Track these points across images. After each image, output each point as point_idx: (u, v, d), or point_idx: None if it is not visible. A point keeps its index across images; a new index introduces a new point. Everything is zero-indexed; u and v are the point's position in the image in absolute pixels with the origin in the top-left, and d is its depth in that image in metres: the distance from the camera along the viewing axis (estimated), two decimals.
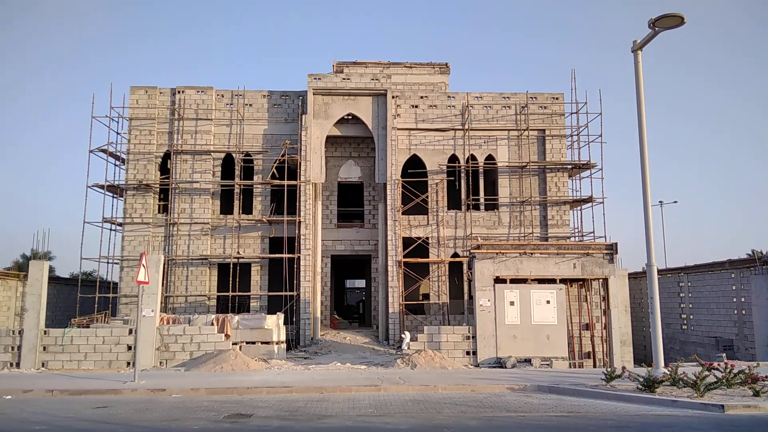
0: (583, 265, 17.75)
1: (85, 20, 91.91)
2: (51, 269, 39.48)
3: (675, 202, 39.08)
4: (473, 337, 17.28)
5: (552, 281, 17.76)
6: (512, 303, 17.25)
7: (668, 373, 12.31)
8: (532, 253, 17.74)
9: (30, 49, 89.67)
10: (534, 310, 17.19)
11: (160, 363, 16.92)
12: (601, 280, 18.42)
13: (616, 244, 17.87)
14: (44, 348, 16.67)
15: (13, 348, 16.61)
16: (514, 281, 17.69)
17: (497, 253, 17.71)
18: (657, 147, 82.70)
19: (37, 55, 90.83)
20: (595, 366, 18.21)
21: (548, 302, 17.23)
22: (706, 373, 11.42)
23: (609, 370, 12.86)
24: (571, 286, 18.84)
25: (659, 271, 27.54)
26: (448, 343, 17.26)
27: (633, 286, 25.68)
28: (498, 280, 17.62)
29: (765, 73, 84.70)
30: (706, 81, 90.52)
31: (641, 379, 11.92)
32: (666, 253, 50.84)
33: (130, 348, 16.56)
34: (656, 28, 13.30)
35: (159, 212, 26.07)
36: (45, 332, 16.79)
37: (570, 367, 17.23)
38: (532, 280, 17.77)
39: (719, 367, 11.95)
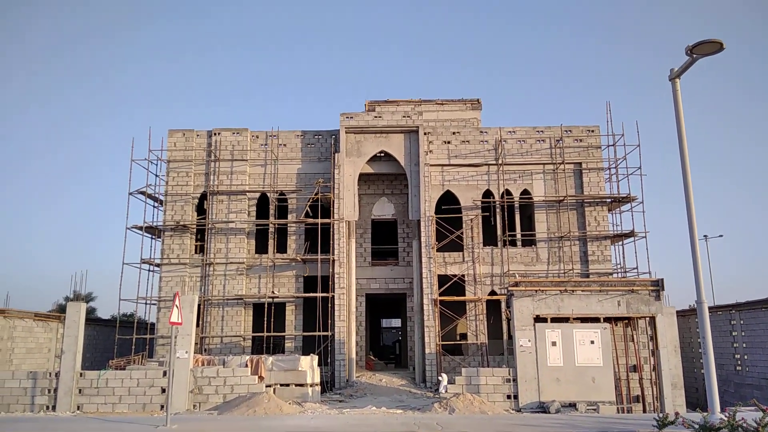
0: (628, 303, 16.96)
1: (123, 68, 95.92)
2: (92, 310, 40.22)
3: (720, 236, 37.50)
4: (514, 380, 16.56)
5: (595, 320, 17.00)
6: (554, 343, 16.53)
7: (725, 419, 11.44)
8: (573, 290, 17.07)
9: (73, 97, 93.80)
10: (577, 351, 16.43)
11: (194, 406, 16.70)
12: (647, 319, 17.54)
13: (662, 280, 17.06)
14: (80, 391, 16.66)
15: (49, 390, 16.64)
16: (555, 320, 17.00)
17: (537, 291, 17.11)
18: (699, 174, 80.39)
19: (80, 104, 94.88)
20: (644, 411, 17.20)
21: (592, 342, 16.45)
22: None
23: (661, 416, 12.04)
24: (616, 325, 17.99)
25: (709, 309, 26.30)
26: (487, 386, 16.59)
27: (681, 325, 24.46)
28: (538, 319, 16.96)
29: None
30: (750, 101, 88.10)
31: (696, 426, 11.10)
32: (714, 290, 48.65)
33: (164, 390, 16.40)
34: (694, 56, 12.86)
35: (195, 252, 26.29)
36: (81, 374, 16.81)
37: (618, 412, 16.30)
38: (574, 318, 17.05)
39: None
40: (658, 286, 17.08)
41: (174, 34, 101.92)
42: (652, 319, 17.14)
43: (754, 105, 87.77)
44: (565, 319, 17.04)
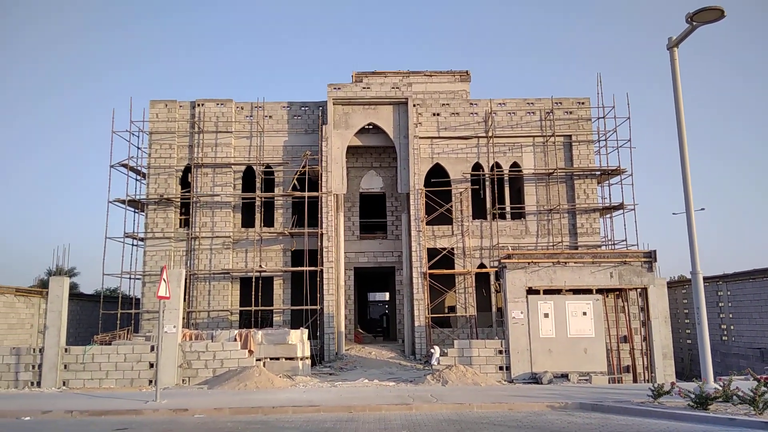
0: (621, 274, 16.93)
1: (103, 35, 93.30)
2: (74, 286, 39.56)
3: (702, 209, 37.65)
4: (506, 352, 16.53)
5: (588, 291, 16.97)
6: (546, 315, 16.49)
7: (720, 388, 11.48)
8: (566, 262, 16.99)
9: (49, 64, 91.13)
10: (570, 322, 16.41)
11: (183, 381, 16.44)
12: (639, 290, 17.56)
13: (654, 251, 17.03)
14: (65, 366, 16.30)
15: (33, 366, 16.27)
16: (547, 292, 16.95)
17: (529, 263, 16.99)
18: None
19: (56, 70, 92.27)
20: (635, 381, 17.31)
21: (585, 314, 16.44)
22: (764, 388, 10.56)
23: (656, 385, 12.06)
24: (608, 296, 18.00)
25: None
26: (479, 357, 16.54)
27: (669, 296, 24.65)
28: (530, 291, 16.89)
29: None
30: (737, 77, 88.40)
31: (693, 396, 11.11)
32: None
33: (152, 365, 16.11)
34: (694, 23, 12.61)
35: (180, 226, 25.78)
36: (66, 350, 16.43)
37: (610, 383, 16.37)
38: (566, 290, 17.00)
39: None
40: (650, 257, 17.06)
41: (158, 3, 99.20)
42: (644, 290, 17.16)
43: (738, 77, 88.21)
44: (558, 291, 16.99)
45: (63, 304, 16.49)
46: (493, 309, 24.90)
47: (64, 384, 16.09)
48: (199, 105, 25.98)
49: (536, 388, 14.72)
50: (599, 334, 16.51)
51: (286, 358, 18.36)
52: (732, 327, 23.96)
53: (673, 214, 40.06)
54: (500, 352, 16.61)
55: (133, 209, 26.38)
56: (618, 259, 17.10)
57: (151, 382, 15.89)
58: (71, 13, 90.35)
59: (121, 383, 16.13)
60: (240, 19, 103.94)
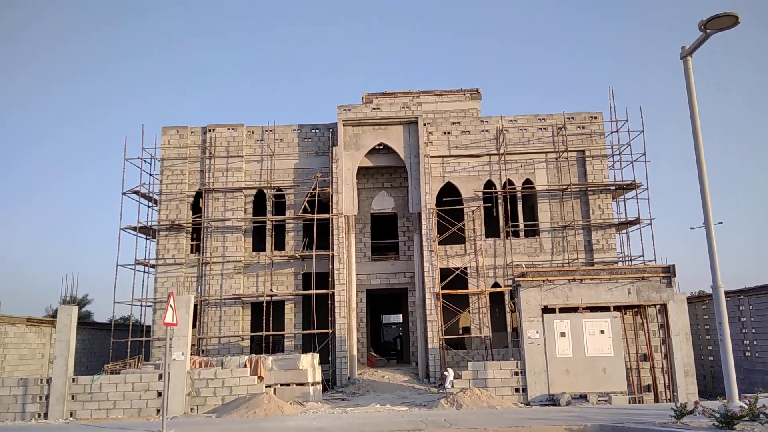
0: (639, 291, 16.40)
1: (115, 65, 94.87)
2: (87, 315, 39.52)
3: (720, 223, 36.77)
4: (522, 373, 16.01)
5: (605, 309, 16.44)
6: (563, 334, 15.98)
7: (746, 406, 10.91)
8: (582, 280, 16.50)
9: (62, 95, 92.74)
10: (587, 341, 15.88)
11: (191, 409, 16.13)
12: (658, 306, 16.99)
13: (673, 266, 16.50)
14: (72, 397, 16.08)
15: (41, 398, 16.06)
16: (563, 310, 16.45)
17: (544, 281, 16.54)
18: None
19: (68, 101, 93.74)
20: (656, 400, 16.65)
21: (602, 332, 15.91)
22: None
23: (679, 405, 11.49)
24: (626, 313, 17.44)
25: None
26: (495, 379, 16.04)
27: (689, 312, 23.92)
28: (546, 310, 16.41)
29: None
30: (750, 87, 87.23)
31: (717, 415, 10.55)
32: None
33: (160, 394, 15.82)
34: (708, 31, 12.27)
35: (191, 252, 25.70)
36: (74, 380, 16.22)
37: (630, 403, 15.75)
38: (583, 308, 16.49)
39: None
40: (669, 272, 16.52)
41: (166, 28, 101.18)
42: (663, 306, 16.59)
43: (755, 82, 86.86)
44: (574, 309, 16.49)
45: (71, 333, 16.34)
46: (509, 329, 24.33)
47: (71, 415, 15.85)
48: (210, 130, 26.08)
49: (554, 410, 14.17)
50: (618, 352, 15.94)
51: (297, 384, 17.98)
52: (755, 342, 23.14)
53: (690, 228, 39.33)
54: (516, 373, 16.11)
55: (144, 236, 26.39)
56: (636, 275, 16.58)
57: (158, 411, 15.60)
58: (82, 43, 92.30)
59: (129, 413, 15.86)
60: (250, 46, 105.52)
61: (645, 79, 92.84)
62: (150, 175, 26.10)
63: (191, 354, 18.64)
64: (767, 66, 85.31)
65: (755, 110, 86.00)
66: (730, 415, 10.39)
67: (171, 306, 13.24)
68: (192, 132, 26.25)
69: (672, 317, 16.32)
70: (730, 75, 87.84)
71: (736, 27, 11.75)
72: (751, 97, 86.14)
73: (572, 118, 25.67)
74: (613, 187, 25.15)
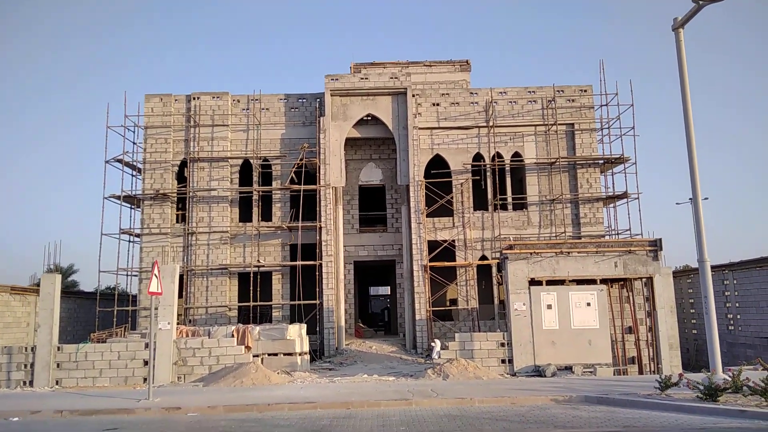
0: (625, 264, 16.51)
1: (98, 30, 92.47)
2: (74, 284, 39.17)
3: (706, 198, 36.79)
4: (508, 344, 16.14)
5: (591, 282, 16.56)
6: (549, 306, 16.09)
7: (729, 379, 11.10)
8: (569, 252, 16.57)
9: (43, 62, 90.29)
10: (573, 314, 16.01)
11: (178, 378, 16.09)
12: (644, 280, 17.14)
13: (660, 240, 16.59)
14: (58, 365, 15.95)
15: (26, 366, 15.94)
16: (550, 283, 16.54)
17: (531, 253, 16.58)
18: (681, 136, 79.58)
19: (50, 68, 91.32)
20: (641, 372, 16.92)
21: (588, 304, 16.03)
22: None
23: (664, 377, 11.66)
24: (612, 286, 17.58)
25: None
26: (481, 350, 16.16)
27: (674, 286, 24.23)
28: (533, 282, 16.48)
29: None
30: (740, 65, 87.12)
31: (701, 387, 10.72)
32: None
33: (146, 363, 15.74)
34: (700, 2, 12.20)
35: (177, 222, 25.42)
36: (58, 348, 16.08)
37: (615, 375, 15.99)
38: (569, 281, 16.58)
39: None
40: (656, 246, 16.63)
41: None
42: (650, 279, 16.73)
43: (741, 66, 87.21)
44: (561, 282, 16.58)
45: (55, 301, 16.15)
46: (495, 301, 24.52)
47: (57, 383, 15.75)
48: (195, 98, 25.57)
49: (540, 381, 14.34)
50: (603, 325, 16.11)
51: (285, 354, 18.00)
52: (738, 316, 23.54)
53: (677, 203, 39.45)
54: (502, 344, 16.23)
55: (129, 205, 26.02)
56: (622, 249, 16.68)
57: (145, 380, 15.54)
58: (65, 10, 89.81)
59: (115, 381, 15.79)
60: (236, 13, 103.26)
61: (636, 48, 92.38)
62: (134, 143, 25.67)
63: (178, 324, 18.57)
64: (759, 32, 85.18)
65: (747, 81, 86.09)
66: (714, 388, 10.56)
67: (155, 275, 13.12)
68: (176, 100, 25.73)
69: (658, 290, 16.49)
70: (720, 42, 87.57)
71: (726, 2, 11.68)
72: (743, 65, 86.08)
73: (562, 91, 25.50)
74: (602, 161, 25.15)
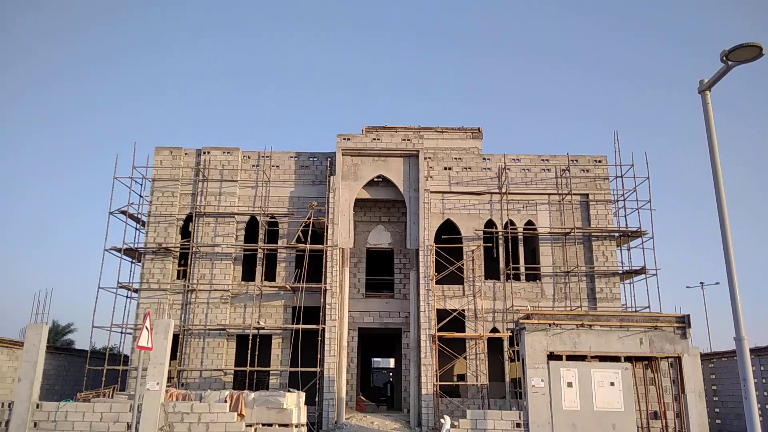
0: (651, 341, 15.38)
1: (110, 78, 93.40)
2: (70, 342, 37.80)
3: (717, 283, 35.95)
4: (525, 425, 14.81)
5: (615, 359, 15.37)
6: (570, 384, 14.85)
7: None
8: (590, 326, 15.48)
9: (50, 104, 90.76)
10: (596, 394, 14.74)
11: None
12: (671, 359, 15.95)
13: (688, 315, 15.52)
14: (35, 424, 14.70)
15: (1, 423, 14.68)
16: (570, 358, 15.36)
17: (550, 324, 15.51)
18: (694, 213, 78.59)
19: (55, 110, 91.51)
20: None
21: (612, 384, 14.79)
22: None
23: None
24: (636, 365, 16.36)
25: (724, 354, 24.70)
26: (494, 430, 14.82)
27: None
28: (552, 357, 15.31)
29: None
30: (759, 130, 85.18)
31: None
32: (710, 338, 47.06)
33: (129, 427, 14.47)
34: (729, 62, 11.63)
35: (178, 278, 24.53)
36: (38, 406, 14.88)
37: None
38: (591, 357, 15.42)
39: None
40: (683, 322, 15.54)
41: (167, 47, 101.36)
42: (677, 359, 15.53)
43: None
44: (582, 358, 15.41)
45: (39, 354, 15.08)
46: (507, 379, 23.03)
47: None
48: (205, 153, 25.28)
49: None
50: (629, 407, 14.80)
51: (280, 425, 16.62)
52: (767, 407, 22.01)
53: (687, 287, 38.43)
54: (518, 425, 14.90)
55: (129, 259, 25.19)
56: (648, 323, 15.58)
57: None
58: (77, 49, 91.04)
59: None
60: (251, 69, 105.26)
61: (652, 124, 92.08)
62: (140, 195, 25.13)
63: (169, 386, 17.34)
64: None
65: None
66: None
67: (147, 328, 12.17)
68: (186, 153, 25.45)
69: (687, 372, 15.25)
70: (746, 106, 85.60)
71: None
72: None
73: (576, 160, 25.10)
74: (618, 234, 24.37)
